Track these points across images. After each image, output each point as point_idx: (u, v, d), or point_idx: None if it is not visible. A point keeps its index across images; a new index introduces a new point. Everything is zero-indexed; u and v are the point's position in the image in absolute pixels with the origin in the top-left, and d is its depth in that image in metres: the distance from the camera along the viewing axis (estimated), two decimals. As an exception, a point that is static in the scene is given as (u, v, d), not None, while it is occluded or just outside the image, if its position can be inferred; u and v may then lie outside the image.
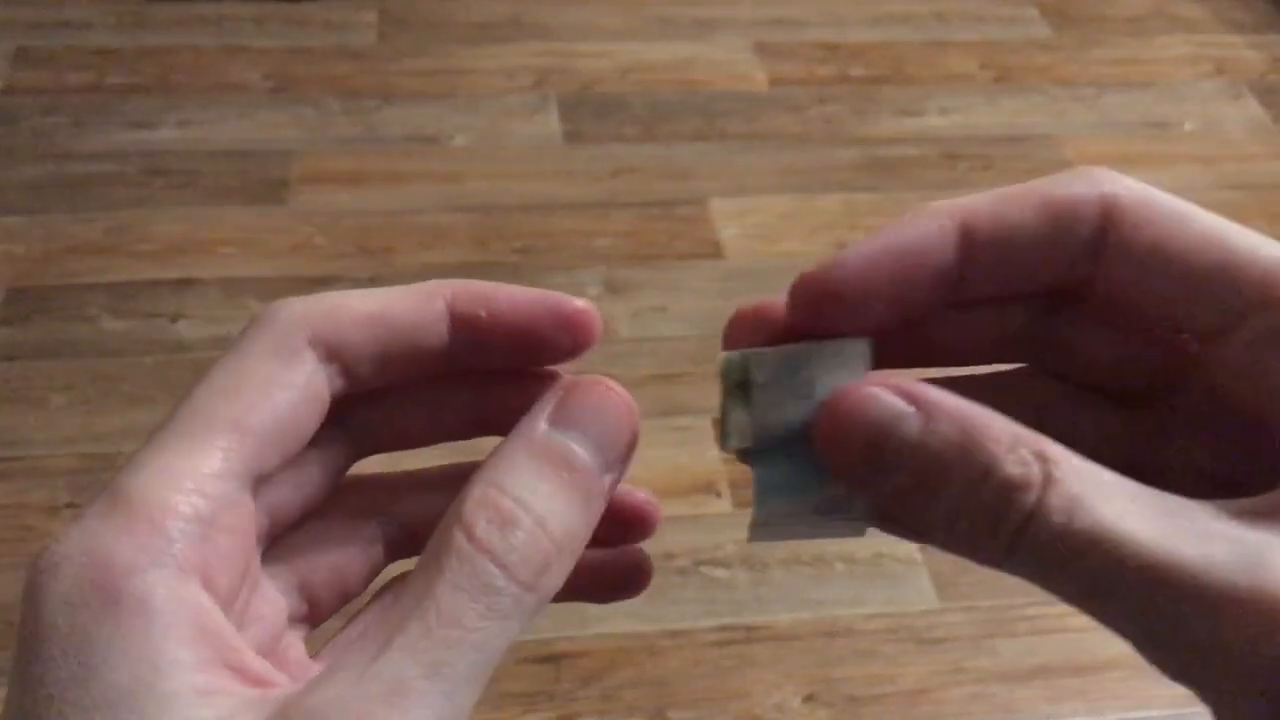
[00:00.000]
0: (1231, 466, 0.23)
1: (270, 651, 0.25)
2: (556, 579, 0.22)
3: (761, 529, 0.24)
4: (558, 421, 0.23)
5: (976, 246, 0.24)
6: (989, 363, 0.26)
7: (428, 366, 0.26)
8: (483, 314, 0.25)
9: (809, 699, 0.93)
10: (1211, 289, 0.23)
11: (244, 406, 0.23)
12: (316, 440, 0.25)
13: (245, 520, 0.23)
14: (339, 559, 0.27)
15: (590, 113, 1.49)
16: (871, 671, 0.95)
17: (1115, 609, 0.21)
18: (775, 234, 1.34)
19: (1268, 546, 0.20)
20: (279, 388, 0.24)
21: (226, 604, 0.22)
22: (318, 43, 1.57)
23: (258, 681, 0.21)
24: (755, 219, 1.35)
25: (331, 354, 0.24)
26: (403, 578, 0.24)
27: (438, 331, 0.25)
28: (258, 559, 0.25)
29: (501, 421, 0.26)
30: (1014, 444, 0.21)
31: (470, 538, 0.21)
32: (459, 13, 1.64)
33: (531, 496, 0.22)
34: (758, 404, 0.24)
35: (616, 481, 0.24)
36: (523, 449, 0.23)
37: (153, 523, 0.21)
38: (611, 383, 0.24)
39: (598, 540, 0.25)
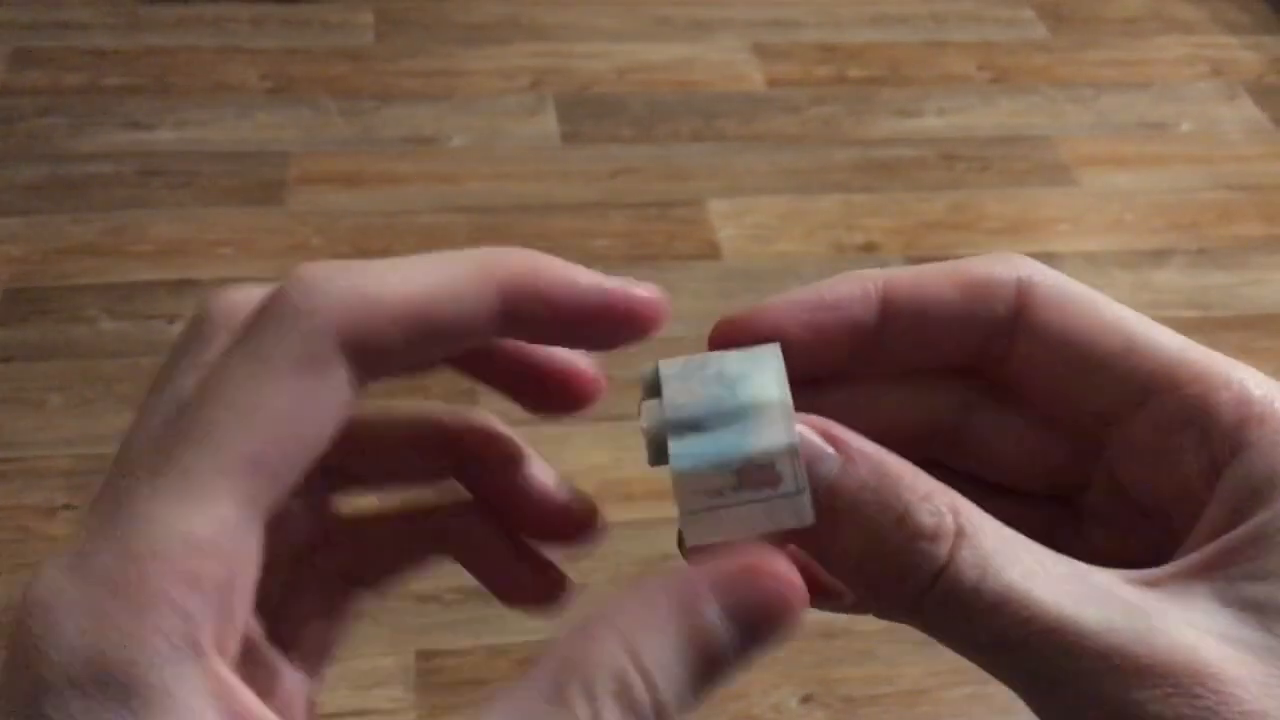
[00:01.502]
0: (1138, 557, 0.23)
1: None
2: None
3: (693, 520, 0.23)
4: (730, 610, 0.21)
5: (895, 311, 0.25)
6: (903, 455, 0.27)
7: (471, 357, 0.24)
8: (542, 310, 0.23)
9: (807, 700, 0.93)
10: (1116, 371, 0.24)
11: (266, 439, 0.20)
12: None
13: (255, 569, 0.20)
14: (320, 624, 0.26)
15: (588, 113, 1.49)
16: (869, 672, 0.95)
17: (1017, 667, 0.21)
18: (773, 235, 1.34)
19: (1162, 613, 0.21)
20: (307, 413, 0.20)
21: (236, 665, 0.20)
22: (315, 43, 1.57)
23: None
24: (753, 219, 1.35)
25: (363, 358, 0.21)
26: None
27: (487, 324, 0.22)
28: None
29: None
30: (929, 494, 0.22)
31: (593, 711, 0.19)
32: (456, 13, 1.64)
33: (665, 684, 0.20)
34: (668, 392, 0.24)
35: None
36: (678, 626, 0.20)
37: (170, 601, 0.19)
38: (798, 580, 0.21)
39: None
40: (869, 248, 1.33)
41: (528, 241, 1.30)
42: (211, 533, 0.19)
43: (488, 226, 1.32)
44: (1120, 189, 1.44)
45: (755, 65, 1.59)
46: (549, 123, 1.47)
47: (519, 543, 0.27)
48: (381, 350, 0.21)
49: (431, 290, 0.21)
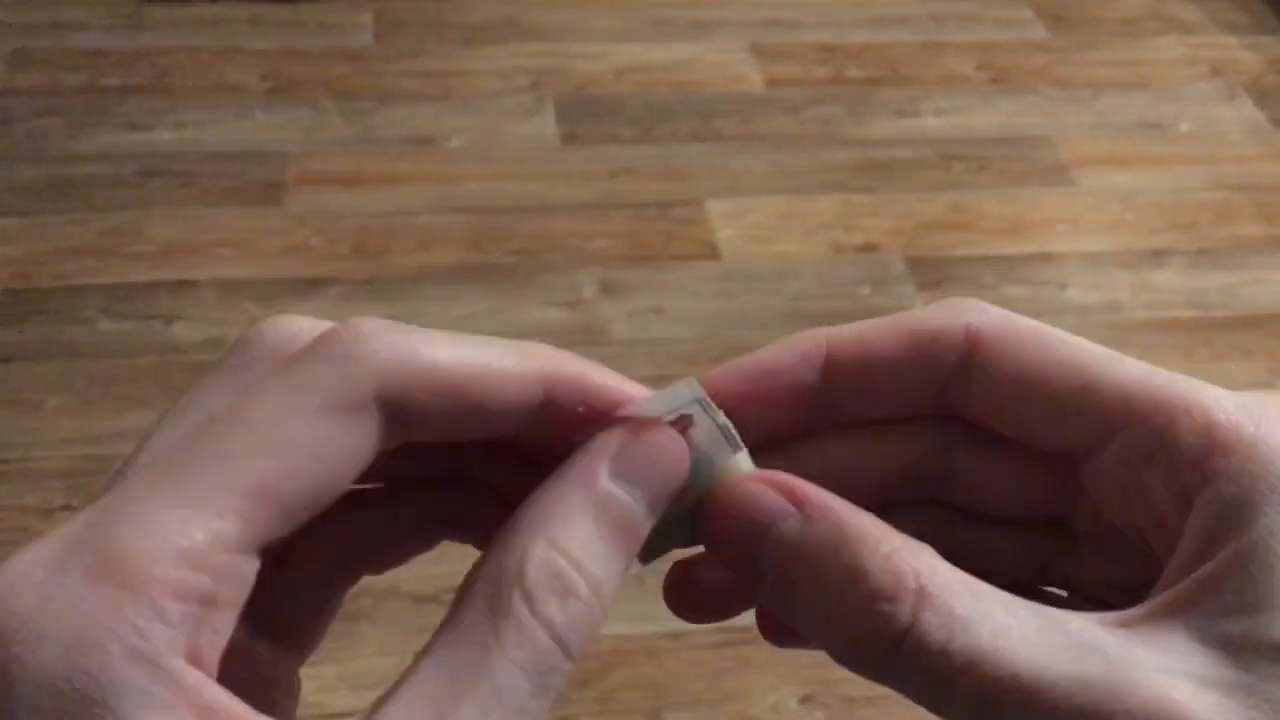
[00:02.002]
0: (1132, 578, 0.23)
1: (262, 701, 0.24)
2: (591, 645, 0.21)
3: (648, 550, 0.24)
4: (620, 473, 0.22)
5: (840, 369, 0.25)
6: (895, 499, 0.27)
7: (504, 446, 0.25)
8: (580, 409, 0.23)
9: (806, 700, 0.93)
10: (1076, 410, 0.24)
11: (282, 470, 0.20)
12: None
13: (245, 591, 0.21)
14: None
15: (586, 114, 1.49)
16: (868, 672, 0.95)
17: None
18: (772, 235, 1.34)
19: (1136, 661, 0.21)
20: (330, 453, 0.20)
21: (221, 677, 0.20)
22: (314, 44, 1.56)
23: None
24: (752, 220, 1.35)
25: (397, 417, 0.21)
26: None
27: (526, 415, 0.23)
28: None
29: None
30: (890, 552, 0.21)
31: (532, 609, 0.20)
32: (455, 14, 1.64)
33: (592, 561, 0.21)
34: None
35: None
36: (584, 503, 0.22)
37: (152, 604, 0.19)
38: (672, 431, 0.23)
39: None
40: (868, 248, 1.33)
41: (526, 242, 1.30)
42: (207, 547, 0.19)
43: (486, 227, 1.32)
44: (1119, 189, 1.44)
45: (754, 66, 1.59)
46: (548, 123, 1.47)
47: None
48: (417, 411, 0.21)
49: (479, 365, 0.22)
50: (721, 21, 1.66)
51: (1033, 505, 0.26)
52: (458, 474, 0.26)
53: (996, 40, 1.68)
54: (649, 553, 0.24)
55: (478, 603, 0.20)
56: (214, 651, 0.20)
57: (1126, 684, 0.20)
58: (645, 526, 0.22)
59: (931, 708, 0.22)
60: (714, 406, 0.24)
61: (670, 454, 0.23)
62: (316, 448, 0.20)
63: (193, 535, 0.19)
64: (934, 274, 1.30)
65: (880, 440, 0.26)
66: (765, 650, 0.26)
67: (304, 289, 1.20)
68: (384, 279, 1.24)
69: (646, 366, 1.15)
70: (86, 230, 1.28)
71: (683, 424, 0.24)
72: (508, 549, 0.21)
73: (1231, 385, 0.23)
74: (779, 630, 0.26)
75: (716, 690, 0.93)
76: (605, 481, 0.22)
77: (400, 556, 0.27)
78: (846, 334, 0.25)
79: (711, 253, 1.31)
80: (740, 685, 0.93)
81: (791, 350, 0.25)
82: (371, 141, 1.42)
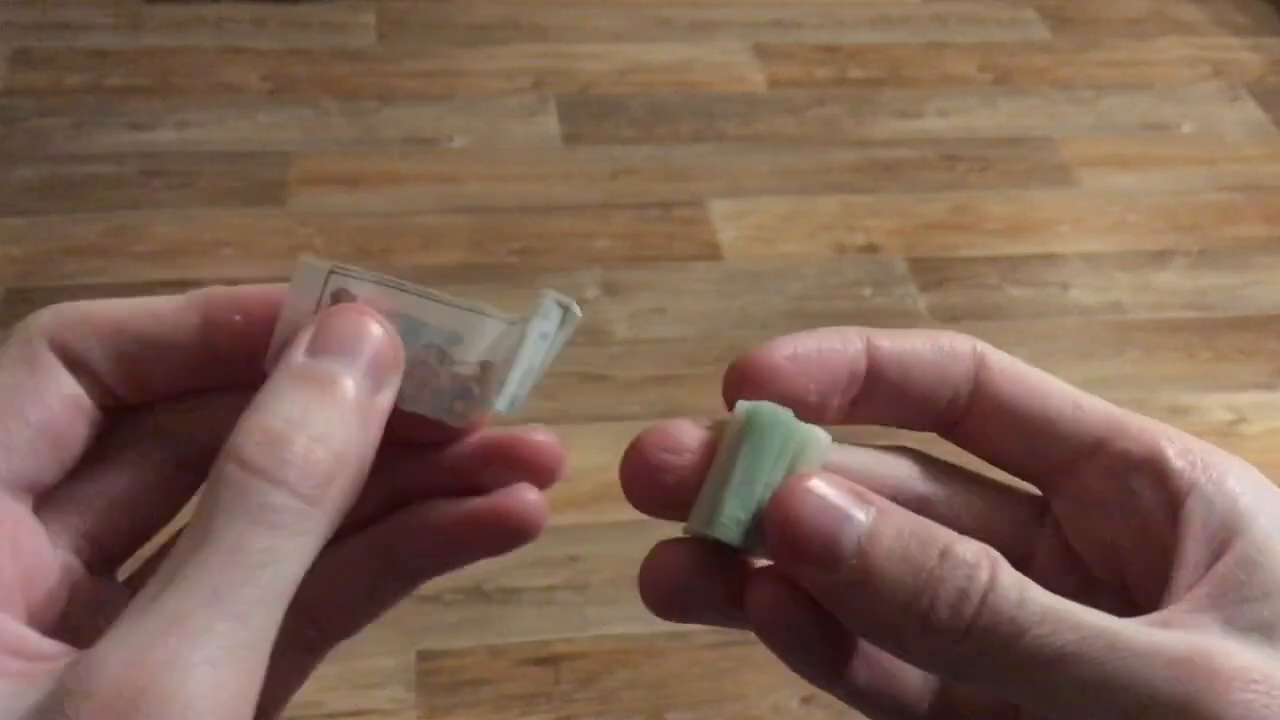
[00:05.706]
0: None
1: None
2: (342, 494, 0.22)
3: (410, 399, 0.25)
4: (315, 350, 0.23)
5: (881, 360, 0.26)
6: None
7: (193, 375, 0.26)
8: (236, 318, 0.25)
9: (807, 700, 0.93)
10: (1067, 425, 0.26)
11: None
12: (129, 454, 0.26)
13: (10, 525, 0.23)
14: (130, 509, 0.26)
15: (589, 114, 1.49)
16: (870, 673, 0.95)
17: (1073, 675, 0.22)
18: (774, 235, 1.34)
19: (1194, 638, 0.22)
20: (24, 395, 0.24)
21: None
22: (316, 44, 1.57)
23: (43, 660, 0.21)
24: (754, 220, 1.35)
25: (74, 362, 0.25)
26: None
27: (188, 340, 0.25)
28: (56, 562, 0.25)
29: None
30: (959, 535, 0.24)
31: (241, 465, 0.21)
32: (457, 14, 1.64)
33: (302, 416, 0.22)
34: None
35: (391, 400, 0.24)
36: (284, 379, 0.23)
37: None
38: (363, 306, 0.24)
39: (481, 484, 0.26)
40: (870, 249, 1.33)
41: (528, 242, 1.30)
42: None
43: (488, 227, 1.32)
44: (1121, 190, 1.44)
45: (756, 66, 1.59)
46: (550, 123, 1.47)
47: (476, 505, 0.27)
48: (88, 353, 0.25)
49: (131, 308, 0.26)
50: (723, 22, 1.66)
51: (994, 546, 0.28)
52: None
53: (999, 41, 1.68)
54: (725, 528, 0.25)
55: (202, 491, 0.22)
56: None
57: (1202, 645, 0.22)
58: (364, 390, 0.23)
59: (1006, 676, 0.22)
60: (350, 268, 0.25)
61: (360, 323, 0.24)
62: (13, 394, 0.24)
63: None
64: (936, 275, 1.30)
65: (855, 457, 0.27)
66: (766, 650, 0.26)
67: (306, 289, 1.20)
68: (386, 279, 1.24)
69: (649, 367, 1.15)
70: (89, 230, 1.28)
71: (343, 299, 0.25)
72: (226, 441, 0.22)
73: (1234, 386, 0.24)
74: None
75: (718, 690, 0.93)
76: (300, 358, 0.23)
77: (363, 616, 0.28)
78: (884, 331, 0.27)
79: (713, 253, 1.31)
80: (741, 685, 0.93)
81: (844, 334, 0.26)
82: (373, 142, 1.42)
